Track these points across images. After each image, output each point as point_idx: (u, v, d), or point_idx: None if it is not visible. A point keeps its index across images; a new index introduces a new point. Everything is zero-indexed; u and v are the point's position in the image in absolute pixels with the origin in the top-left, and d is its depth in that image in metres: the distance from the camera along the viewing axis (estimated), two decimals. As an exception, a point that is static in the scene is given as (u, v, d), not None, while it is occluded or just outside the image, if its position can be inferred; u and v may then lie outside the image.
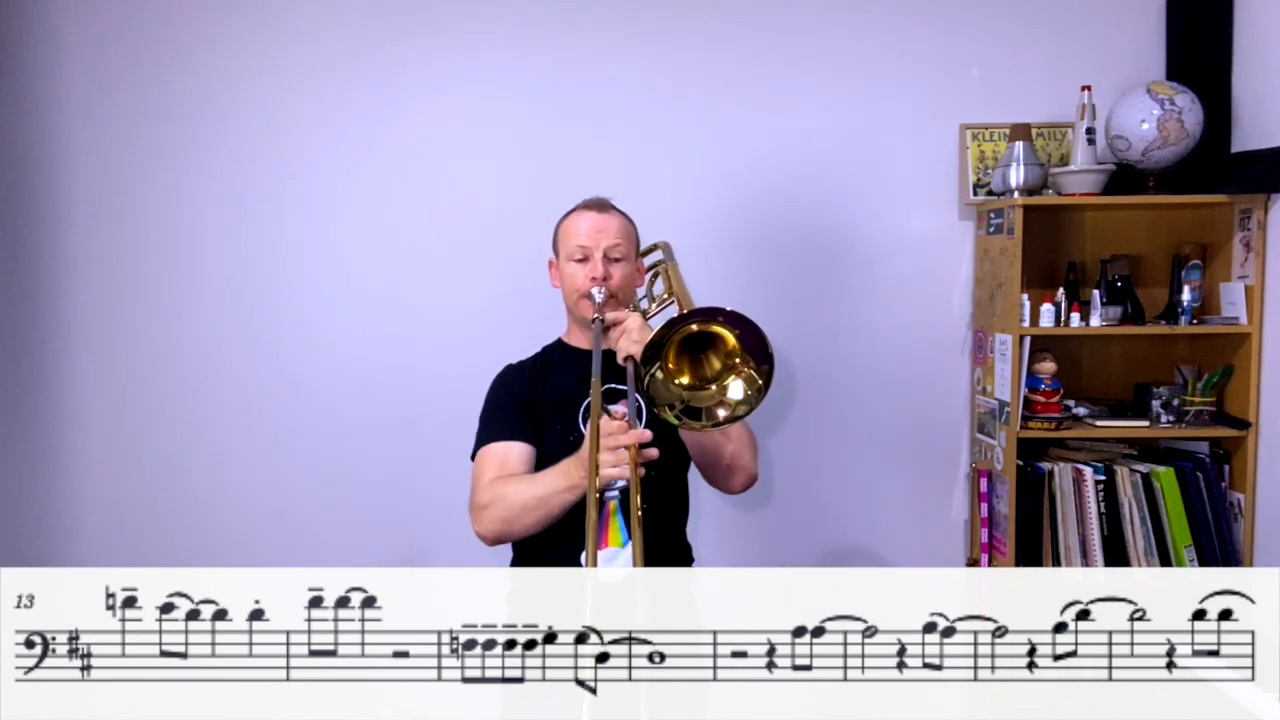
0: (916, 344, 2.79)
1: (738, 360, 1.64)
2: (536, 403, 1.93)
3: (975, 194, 2.72)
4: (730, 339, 1.63)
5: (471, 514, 1.84)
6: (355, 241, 2.78)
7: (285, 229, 2.78)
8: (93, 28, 2.74)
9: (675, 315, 1.62)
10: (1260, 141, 2.45)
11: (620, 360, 1.78)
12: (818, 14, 2.74)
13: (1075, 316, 2.50)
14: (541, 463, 1.89)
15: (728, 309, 1.59)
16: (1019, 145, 2.54)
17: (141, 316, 2.79)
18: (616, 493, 1.87)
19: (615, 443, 1.64)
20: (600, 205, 1.97)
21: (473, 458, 1.93)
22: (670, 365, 1.64)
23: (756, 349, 1.61)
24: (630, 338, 1.76)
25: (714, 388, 1.66)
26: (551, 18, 2.74)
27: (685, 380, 1.66)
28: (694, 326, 1.61)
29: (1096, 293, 2.55)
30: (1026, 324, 2.48)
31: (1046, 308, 2.49)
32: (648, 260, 2.10)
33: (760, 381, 1.62)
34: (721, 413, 1.65)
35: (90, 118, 2.76)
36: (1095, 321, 2.51)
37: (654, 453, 1.67)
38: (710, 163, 2.76)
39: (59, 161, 2.76)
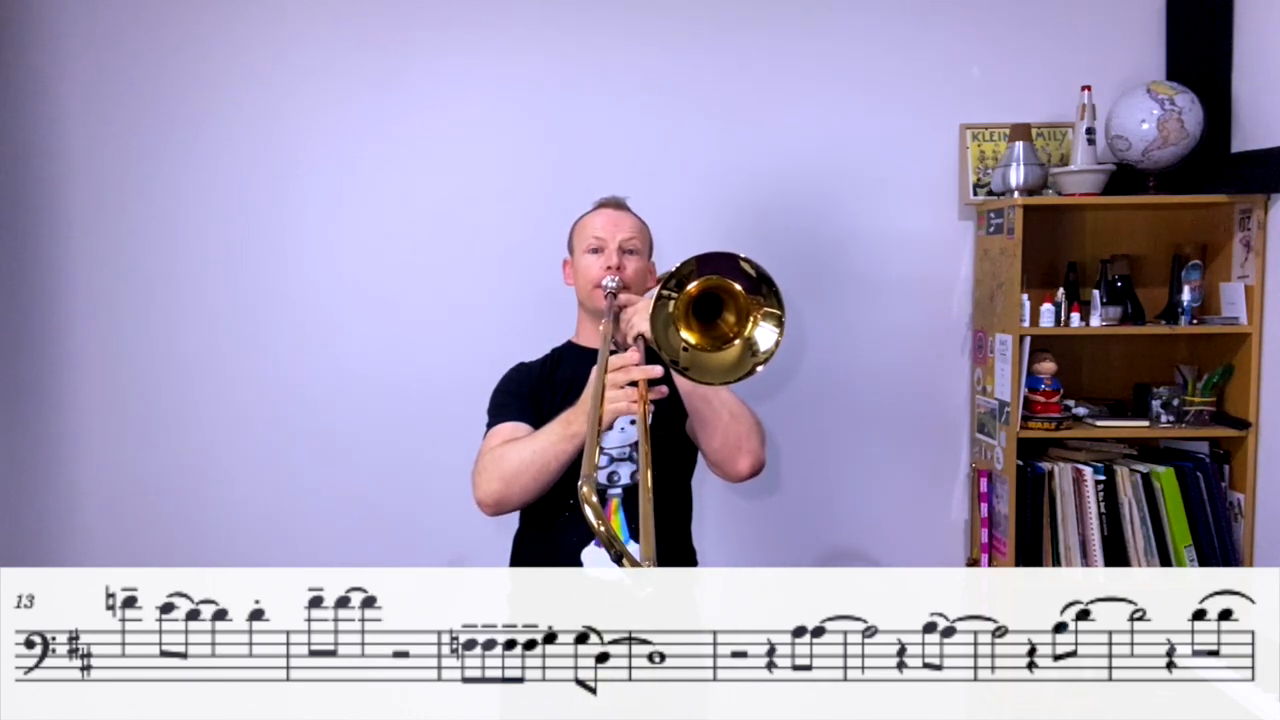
0: (916, 344, 2.79)
1: (749, 304, 1.58)
2: (545, 399, 1.94)
3: (975, 194, 2.72)
4: (734, 288, 1.57)
5: (474, 484, 1.80)
6: (356, 242, 2.78)
7: (286, 228, 2.78)
8: (93, 28, 2.74)
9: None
10: (1260, 141, 2.45)
11: (631, 338, 1.76)
12: (817, 14, 2.74)
13: (1075, 316, 2.50)
14: None
15: (715, 253, 1.55)
16: (1019, 145, 2.54)
17: (141, 316, 2.79)
18: (620, 490, 1.87)
19: (624, 377, 1.61)
20: (618, 204, 2.04)
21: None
22: (678, 316, 1.58)
23: (752, 284, 1.57)
24: (642, 315, 1.75)
25: (738, 342, 1.59)
26: (553, 21, 2.74)
27: (695, 340, 1.60)
28: (692, 288, 1.56)
29: (1096, 293, 2.56)
30: (1026, 324, 2.48)
31: (1046, 308, 2.49)
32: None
33: (778, 313, 1.57)
34: (761, 370, 1.58)
35: (90, 118, 2.75)
36: (1095, 321, 2.51)
37: (664, 390, 1.63)
38: (710, 163, 2.76)
39: (59, 162, 2.76)
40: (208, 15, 2.74)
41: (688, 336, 1.60)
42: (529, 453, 1.75)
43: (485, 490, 1.77)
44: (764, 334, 1.59)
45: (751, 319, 1.60)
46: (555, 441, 1.73)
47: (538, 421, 1.87)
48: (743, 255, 1.56)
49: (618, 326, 1.83)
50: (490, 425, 1.92)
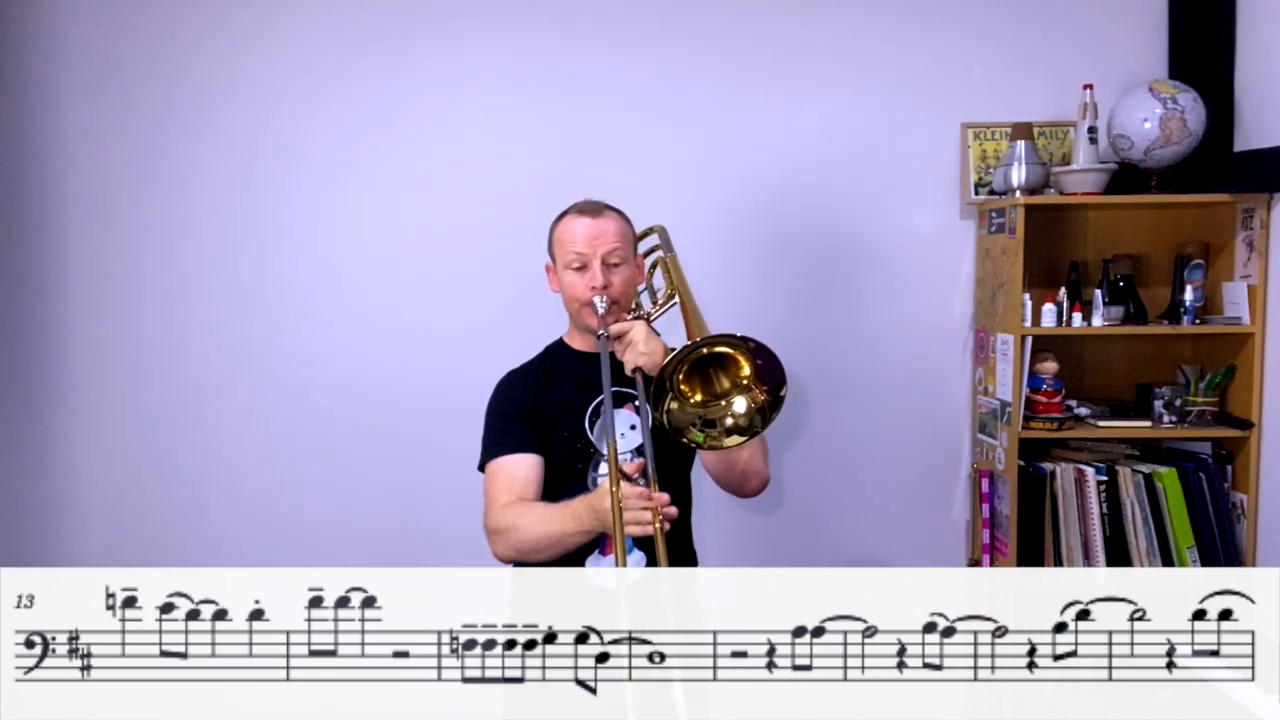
0: (918, 344, 2.79)
1: (746, 382, 1.66)
2: (542, 411, 1.91)
3: (977, 193, 2.71)
4: (746, 365, 1.66)
5: (488, 536, 1.82)
6: (354, 241, 2.77)
7: (284, 228, 2.78)
8: (91, 25, 2.73)
9: (689, 343, 1.62)
10: (1263, 140, 2.45)
11: (629, 372, 1.77)
12: (818, 13, 2.74)
13: (1077, 316, 2.49)
14: (550, 469, 1.88)
15: (750, 339, 1.61)
16: (1021, 144, 2.54)
17: (140, 316, 2.79)
18: None
19: (636, 505, 1.63)
20: (595, 209, 1.89)
21: (480, 468, 1.91)
22: (683, 388, 1.66)
23: (770, 379, 1.64)
24: (636, 350, 1.75)
25: (723, 403, 1.68)
26: (553, 20, 2.74)
27: (699, 398, 1.68)
28: (704, 350, 1.63)
29: (1098, 292, 2.55)
30: (1028, 324, 2.48)
31: (1048, 307, 2.49)
32: (644, 245, 2.08)
33: (762, 400, 1.65)
34: (729, 421, 1.67)
35: (88, 116, 2.75)
36: (1097, 321, 2.51)
37: (674, 511, 1.65)
38: (711, 162, 2.75)
39: (56, 161, 2.75)
40: (205, 11, 2.74)
41: (696, 399, 1.68)
42: (545, 536, 1.76)
43: (503, 555, 1.83)
44: (739, 404, 1.68)
45: (741, 391, 1.67)
46: (569, 534, 1.74)
47: (536, 445, 1.88)
48: (748, 339, 1.61)
49: (610, 342, 1.83)
50: (487, 454, 1.90)
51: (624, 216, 1.94)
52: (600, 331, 1.82)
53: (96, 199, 2.77)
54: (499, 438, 1.90)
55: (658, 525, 1.60)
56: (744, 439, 1.67)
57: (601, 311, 1.83)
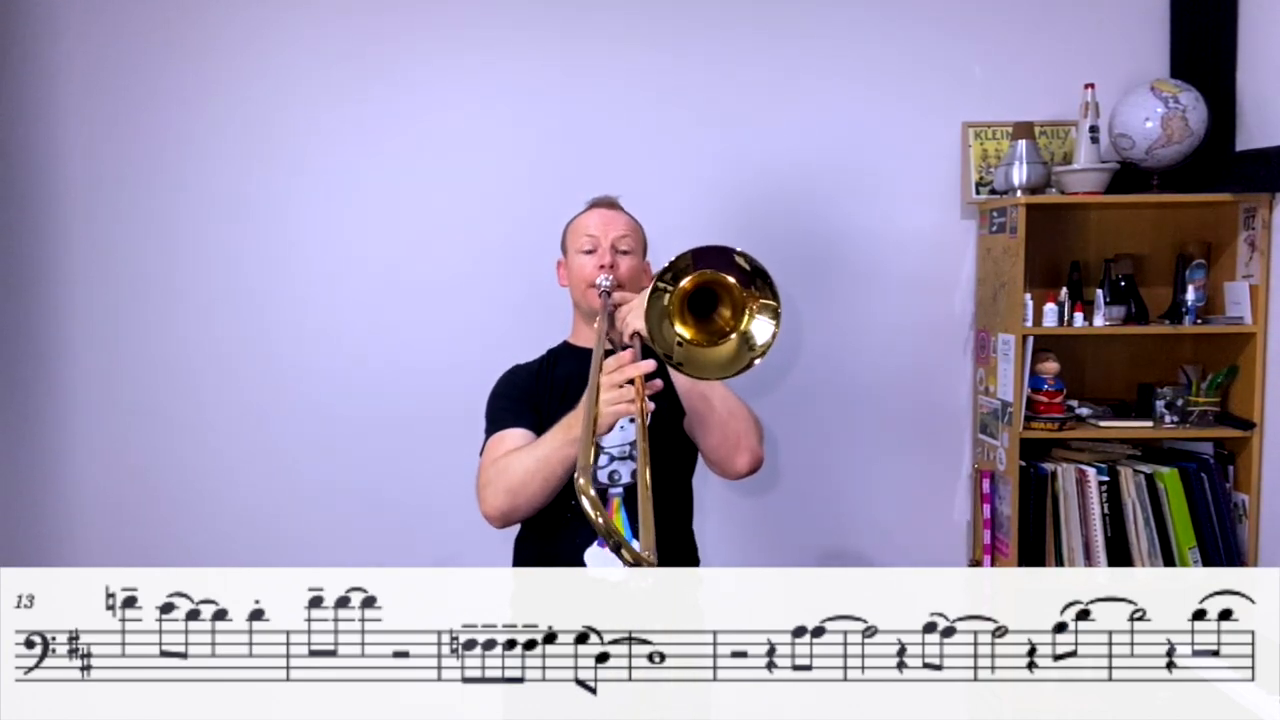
0: (918, 344, 2.78)
1: (744, 297, 1.60)
2: (544, 394, 1.94)
3: (978, 193, 2.71)
4: (729, 281, 1.59)
5: (477, 496, 1.82)
6: (355, 241, 2.77)
7: (285, 228, 2.78)
8: (91, 25, 2.74)
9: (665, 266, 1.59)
10: (1265, 140, 2.44)
11: (627, 337, 1.75)
12: (818, 12, 2.73)
13: (1078, 316, 2.49)
14: None
15: (696, 250, 1.57)
16: (1022, 144, 2.53)
17: (140, 316, 2.79)
18: (621, 489, 1.86)
19: (620, 376, 1.61)
20: (609, 203, 2.03)
21: (481, 453, 1.92)
22: (673, 310, 1.60)
23: (747, 277, 1.59)
24: (638, 313, 1.75)
25: (734, 336, 1.62)
26: (555, 20, 2.74)
27: (689, 334, 1.61)
28: (687, 283, 1.58)
29: (1100, 292, 2.54)
30: (1029, 324, 2.47)
31: (1049, 307, 2.48)
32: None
33: (774, 304, 1.58)
34: (758, 363, 1.59)
35: (88, 116, 2.75)
36: (1099, 321, 2.50)
37: (659, 384, 1.64)
38: (712, 163, 2.75)
39: (57, 160, 2.76)
40: (205, 13, 2.74)
41: (683, 331, 1.62)
42: (533, 461, 1.74)
43: (492, 504, 1.79)
44: (760, 327, 1.61)
45: (747, 312, 1.62)
46: (559, 447, 1.72)
47: (537, 425, 1.87)
48: (738, 250, 1.58)
49: (613, 325, 1.82)
50: (489, 433, 1.92)
51: (637, 220, 2.04)
52: (602, 291, 1.88)
53: (96, 199, 2.77)
54: (499, 415, 1.93)
55: (642, 405, 1.57)
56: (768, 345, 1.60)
57: (606, 287, 1.89)
